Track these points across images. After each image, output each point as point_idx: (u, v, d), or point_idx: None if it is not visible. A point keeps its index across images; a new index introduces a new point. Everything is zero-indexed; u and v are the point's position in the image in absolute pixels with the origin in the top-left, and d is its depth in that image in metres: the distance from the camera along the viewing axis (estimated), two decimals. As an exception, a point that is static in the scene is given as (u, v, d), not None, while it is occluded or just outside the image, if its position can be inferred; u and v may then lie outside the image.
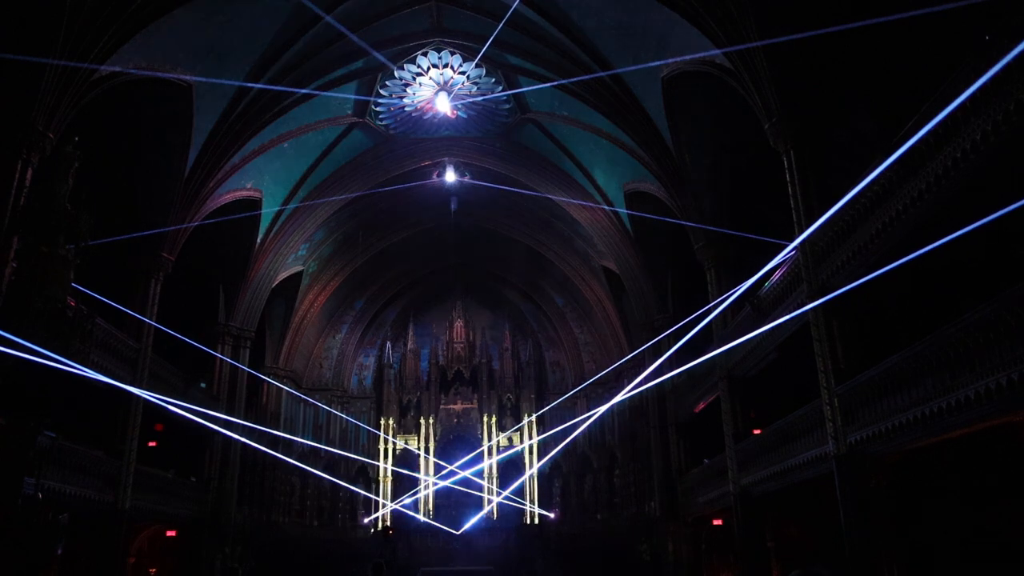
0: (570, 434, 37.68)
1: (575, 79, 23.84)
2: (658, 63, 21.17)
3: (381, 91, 27.28)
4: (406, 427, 38.56)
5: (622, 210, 28.86)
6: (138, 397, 21.70)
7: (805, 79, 17.36)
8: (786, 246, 17.45)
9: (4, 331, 10.71)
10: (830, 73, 17.23)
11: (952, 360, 11.87)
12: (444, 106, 27.83)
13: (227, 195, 26.52)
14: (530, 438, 37.49)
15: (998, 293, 10.70)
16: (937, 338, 12.16)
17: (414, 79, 26.92)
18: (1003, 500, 13.59)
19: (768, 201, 20.47)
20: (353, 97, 26.93)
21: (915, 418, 12.86)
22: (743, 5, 17.42)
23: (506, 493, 35.49)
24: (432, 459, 37.35)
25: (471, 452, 37.36)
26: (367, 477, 37.80)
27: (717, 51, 18.51)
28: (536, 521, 36.10)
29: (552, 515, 36.34)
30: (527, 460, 37.21)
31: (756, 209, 22.20)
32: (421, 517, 36.07)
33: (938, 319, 12.26)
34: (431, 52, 25.85)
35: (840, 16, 14.08)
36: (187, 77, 21.33)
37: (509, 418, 38.55)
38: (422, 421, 38.18)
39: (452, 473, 36.62)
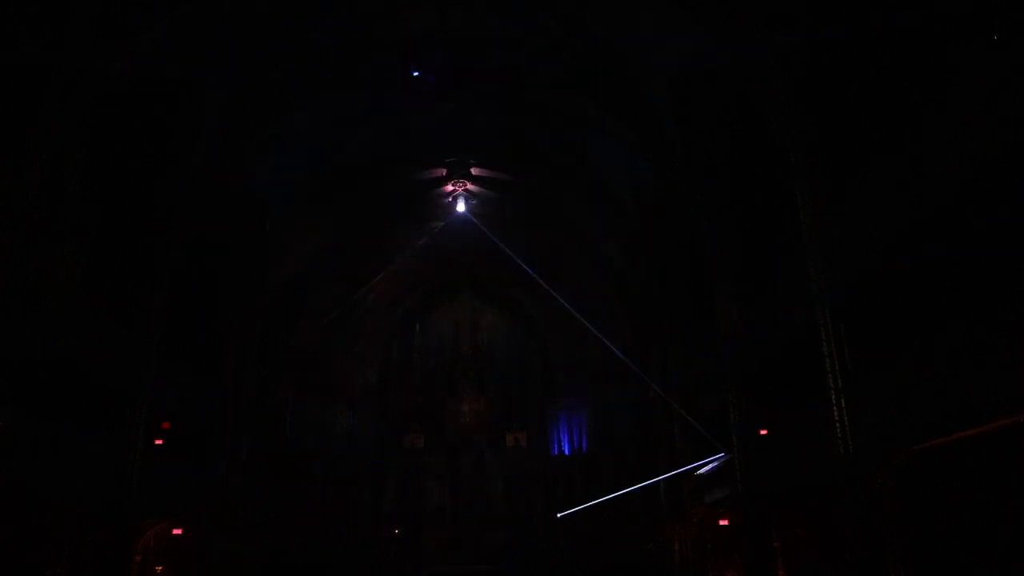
0: (577, 432, 37.73)
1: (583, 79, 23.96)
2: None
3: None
4: (413, 426, 38.61)
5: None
6: (144, 394, 21.77)
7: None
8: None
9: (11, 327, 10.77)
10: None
11: (957, 361, 11.87)
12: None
13: (234, 194, 26.66)
14: (537, 436, 37.53)
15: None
16: (942, 339, 12.16)
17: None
18: (1010, 501, 13.54)
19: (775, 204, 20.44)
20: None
21: (921, 418, 12.85)
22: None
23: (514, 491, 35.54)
24: (440, 458, 37.45)
25: (478, 451, 37.44)
26: (373, 476, 37.85)
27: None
28: (543, 519, 36.10)
29: (558, 513, 36.34)
30: (534, 458, 37.27)
31: (763, 211, 22.21)
32: (428, 515, 36.17)
33: (942, 320, 12.25)
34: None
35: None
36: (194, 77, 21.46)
37: (516, 416, 38.56)
38: (429, 420, 38.26)
39: (459, 472, 36.67)
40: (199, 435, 26.64)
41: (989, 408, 11.18)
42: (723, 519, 25.11)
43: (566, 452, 37.24)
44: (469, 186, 33.06)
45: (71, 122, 17.78)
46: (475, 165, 32.01)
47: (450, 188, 33.16)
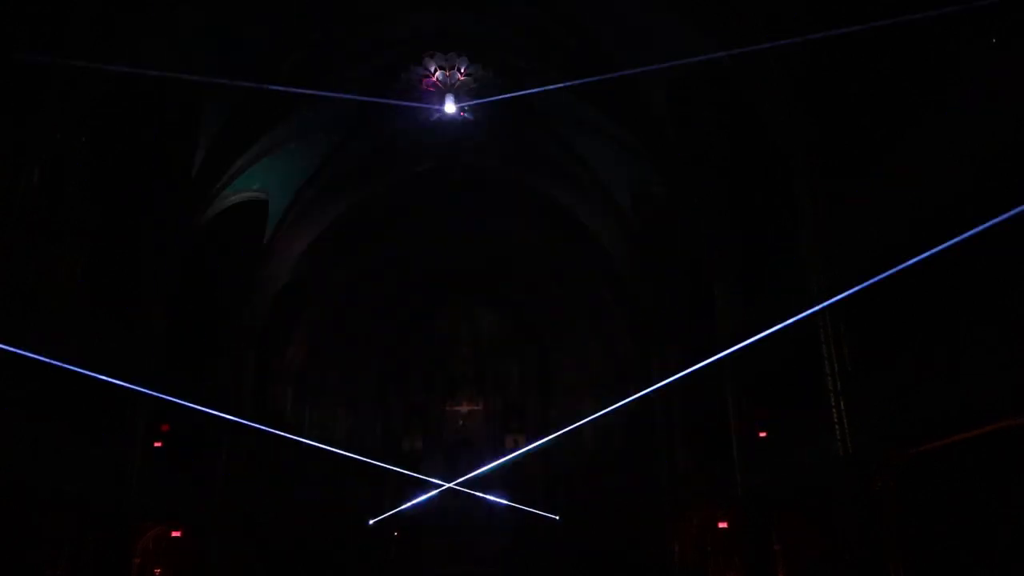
0: (576, 435, 37.64)
1: (582, 80, 23.86)
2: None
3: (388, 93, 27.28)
4: (412, 429, 38.57)
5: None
6: (144, 397, 21.74)
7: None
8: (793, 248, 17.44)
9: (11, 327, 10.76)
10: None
11: (957, 361, 11.87)
12: (451, 108, 27.78)
13: (234, 196, 26.66)
14: (536, 439, 37.45)
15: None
16: (942, 339, 12.16)
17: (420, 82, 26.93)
18: (1010, 501, 13.53)
19: (775, 204, 20.45)
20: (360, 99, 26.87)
21: (921, 419, 12.85)
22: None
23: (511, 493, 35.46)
24: (438, 460, 37.39)
25: (477, 453, 37.38)
26: (373, 479, 37.74)
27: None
28: (542, 522, 36.01)
29: (557, 516, 36.28)
30: (534, 459, 37.17)
31: (763, 212, 22.21)
32: (427, 518, 36.10)
33: (942, 321, 12.25)
34: (438, 54, 25.84)
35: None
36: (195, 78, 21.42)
37: (515, 419, 38.50)
38: (428, 423, 38.21)
39: (458, 474, 36.59)
40: (199, 436, 26.62)
41: (989, 409, 11.17)
42: (722, 521, 25.08)
43: (566, 454, 37.14)
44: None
45: (71, 122, 17.78)
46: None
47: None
